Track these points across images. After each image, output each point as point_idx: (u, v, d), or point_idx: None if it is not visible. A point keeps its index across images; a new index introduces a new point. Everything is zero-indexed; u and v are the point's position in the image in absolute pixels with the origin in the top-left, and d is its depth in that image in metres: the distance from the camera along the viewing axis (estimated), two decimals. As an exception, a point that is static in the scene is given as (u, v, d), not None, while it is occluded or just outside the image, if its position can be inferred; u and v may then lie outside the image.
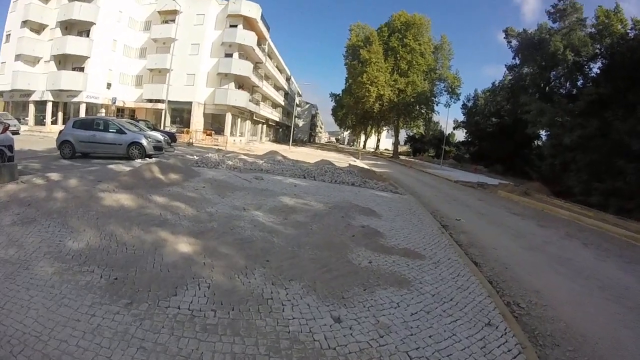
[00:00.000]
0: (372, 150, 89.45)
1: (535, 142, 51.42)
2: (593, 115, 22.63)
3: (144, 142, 16.87)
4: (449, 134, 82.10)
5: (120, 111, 41.22)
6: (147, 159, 16.32)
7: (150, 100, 40.32)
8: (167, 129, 37.86)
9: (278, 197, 10.15)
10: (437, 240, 8.09)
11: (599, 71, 32.96)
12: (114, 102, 38.50)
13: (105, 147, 16.77)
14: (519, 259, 8.19)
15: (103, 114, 37.03)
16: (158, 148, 17.81)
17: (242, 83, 42.83)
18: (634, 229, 13.07)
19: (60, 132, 17.18)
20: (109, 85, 39.07)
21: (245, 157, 21.41)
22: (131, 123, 20.41)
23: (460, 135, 72.99)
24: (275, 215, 8.16)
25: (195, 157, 18.35)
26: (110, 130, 16.91)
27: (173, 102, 39.90)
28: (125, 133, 16.91)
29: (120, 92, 40.30)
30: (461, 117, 64.17)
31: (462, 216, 12.57)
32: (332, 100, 78.64)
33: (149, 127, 26.39)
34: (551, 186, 25.11)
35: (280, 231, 6.89)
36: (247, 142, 46.21)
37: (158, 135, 19.58)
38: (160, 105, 38.80)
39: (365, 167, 28.45)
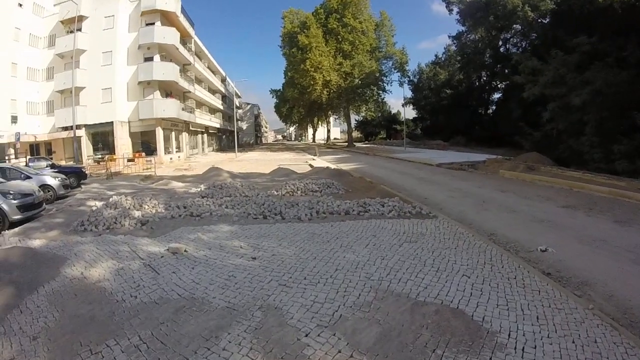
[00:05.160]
0: (324, 142, 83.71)
1: (490, 107, 48.43)
2: (586, 69, 19.10)
3: (1, 203, 9.79)
4: (396, 112, 78.44)
5: (33, 147, 32.52)
6: (7, 230, 9.33)
7: (65, 128, 31.57)
8: (93, 157, 30.55)
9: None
10: None
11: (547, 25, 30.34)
12: (18, 139, 29.52)
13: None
14: None
15: (12, 156, 28.38)
16: (29, 206, 10.55)
17: (169, 90, 35.07)
18: None
19: None
20: (14, 119, 29.87)
21: (174, 187, 14.91)
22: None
23: (409, 113, 68.78)
24: None
25: (96, 203, 11.49)
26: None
27: (91, 126, 31.86)
28: (-31, 190, 9.82)
29: (31, 125, 31.25)
30: (410, 95, 59.96)
31: (534, 236, 7.85)
32: (273, 97, 71.67)
33: (47, 166, 19.64)
34: (549, 154, 21.18)
35: None
36: (186, 158, 38.51)
37: (28, 186, 11.82)
38: (78, 132, 30.56)
39: (332, 166, 22.49)
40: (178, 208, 9.89)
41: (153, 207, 10.06)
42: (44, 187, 13.83)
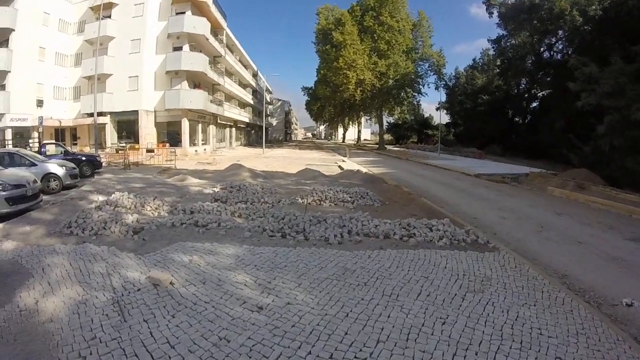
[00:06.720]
0: (354, 142, 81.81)
1: (529, 116, 45.51)
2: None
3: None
4: (428, 116, 75.87)
5: (59, 132, 31.99)
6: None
7: (90, 115, 30.66)
8: (117, 146, 29.70)
9: None
10: None
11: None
12: (41, 123, 28.72)
13: None
14: None
15: (35, 140, 27.65)
16: (20, 199, 9.02)
17: (197, 81, 33.99)
18: None
19: None
20: (40, 103, 29.27)
21: (189, 184, 13.52)
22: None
23: (442, 118, 66.19)
24: None
25: (98, 198, 10.15)
26: None
27: (116, 114, 31.10)
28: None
29: (57, 109, 30.84)
30: (445, 99, 57.27)
31: (610, 281, 6.20)
32: (304, 94, 70.11)
33: (61, 152, 18.29)
34: (598, 172, 18.67)
35: None
36: (213, 151, 37.38)
37: (22, 176, 9.90)
38: (103, 119, 29.97)
39: (363, 170, 20.79)
40: (183, 213, 8.37)
41: (156, 208, 8.61)
42: (50, 175, 12.68)
